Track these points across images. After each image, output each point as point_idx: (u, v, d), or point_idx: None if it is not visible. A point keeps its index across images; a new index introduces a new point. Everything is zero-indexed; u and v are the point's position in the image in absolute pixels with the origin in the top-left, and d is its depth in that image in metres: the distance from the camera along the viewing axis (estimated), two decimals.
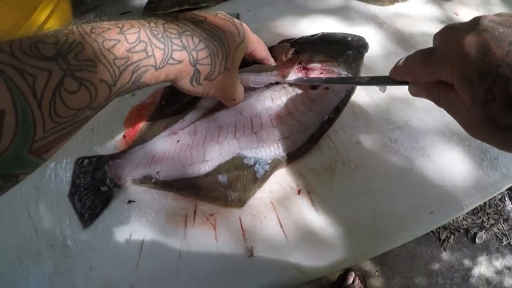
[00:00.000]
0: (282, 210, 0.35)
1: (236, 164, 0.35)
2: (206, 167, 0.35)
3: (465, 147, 0.37)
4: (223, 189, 0.35)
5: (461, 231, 1.11)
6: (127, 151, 0.39)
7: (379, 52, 0.46)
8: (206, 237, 0.34)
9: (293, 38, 0.44)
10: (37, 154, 0.21)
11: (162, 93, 0.42)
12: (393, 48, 0.46)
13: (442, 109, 0.25)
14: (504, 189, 0.37)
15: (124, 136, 0.42)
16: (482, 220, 1.11)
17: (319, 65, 0.39)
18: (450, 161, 0.36)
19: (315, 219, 0.34)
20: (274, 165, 0.35)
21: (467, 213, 1.13)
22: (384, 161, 0.37)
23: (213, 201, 0.35)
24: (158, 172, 0.37)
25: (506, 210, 1.09)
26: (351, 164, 0.36)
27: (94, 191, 0.38)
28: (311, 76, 0.39)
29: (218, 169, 0.35)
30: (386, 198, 0.35)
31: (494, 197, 1.10)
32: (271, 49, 0.41)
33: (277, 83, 0.38)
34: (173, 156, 0.37)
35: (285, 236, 0.33)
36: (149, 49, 0.25)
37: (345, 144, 0.38)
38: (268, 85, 0.38)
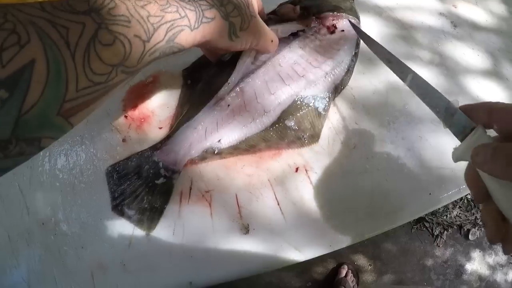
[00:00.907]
0: (279, 188, 0.34)
1: (298, 106, 0.36)
2: (270, 118, 0.36)
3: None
4: (294, 132, 0.36)
5: (455, 227, 1.12)
6: (172, 134, 0.36)
7: (378, 40, 0.46)
8: (201, 214, 0.34)
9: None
10: (66, 116, 0.20)
11: (183, 74, 0.42)
12: (392, 37, 0.46)
13: None
14: None
15: (125, 116, 0.40)
16: (476, 217, 1.12)
17: (330, 13, 0.40)
18: (448, 144, 0.36)
19: (313, 197, 0.34)
20: (330, 96, 0.37)
21: (460, 210, 1.14)
22: (382, 142, 0.36)
23: (289, 146, 0.36)
24: (219, 141, 0.36)
25: None
26: (350, 144, 0.36)
27: (148, 189, 0.35)
28: (326, 24, 0.41)
29: (282, 116, 0.36)
30: (384, 179, 0.34)
31: None
32: (273, 13, 0.42)
33: (297, 34, 0.39)
34: (230, 121, 0.36)
35: (282, 214, 0.33)
36: (181, 11, 0.25)
37: (344, 125, 0.38)
38: (290, 38, 0.39)
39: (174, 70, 0.42)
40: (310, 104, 0.36)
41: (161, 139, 0.37)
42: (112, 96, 0.24)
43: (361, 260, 1.09)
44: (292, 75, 0.37)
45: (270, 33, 0.34)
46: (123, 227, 0.35)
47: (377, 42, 0.34)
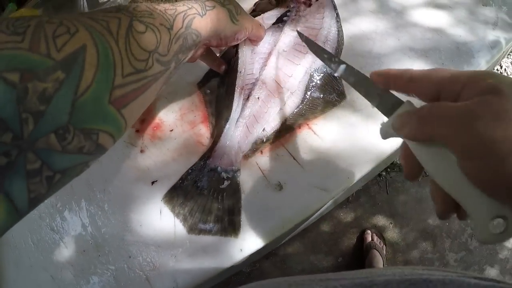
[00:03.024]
0: (290, 145, 0.38)
1: (315, 77, 0.41)
2: (298, 97, 0.40)
3: (423, 57, 0.43)
4: (322, 99, 0.40)
5: None
6: (218, 140, 0.38)
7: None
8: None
9: None
10: (117, 105, 0.21)
11: (199, 86, 0.45)
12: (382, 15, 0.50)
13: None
14: None
15: (137, 131, 0.42)
16: None
17: None
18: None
19: (320, 143, 0.37)
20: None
21: None
22: None
23: (323, 111, 0.40)
24: (263, 130, 0.38)
25: None
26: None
27: (215, 198, 0.36)
28: (301, 0, 0.46)
29: (307, 90, 0.40)
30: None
31: None
32: (253, 12, 0.48)
33: (283, 21, 0.44)
34: (265, 110, 0.39)
35: (299, 165, 0.36)
36: (187, 4, 0.29)
37: None
38: (280, 26, 0.44)
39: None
40: (324, 72, 0.41)
41: (207, 148, 0.39)
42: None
43: (381, 221, 1.12)
44: (297, 55, 0.41)
45: (256, 19, 0.39)
46: (162, 224, 0.37)
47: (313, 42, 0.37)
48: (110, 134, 0.21)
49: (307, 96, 0.40)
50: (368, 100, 0.26)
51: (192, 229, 0.35)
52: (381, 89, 0.26)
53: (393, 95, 0.25)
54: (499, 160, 0.18)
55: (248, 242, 0.35)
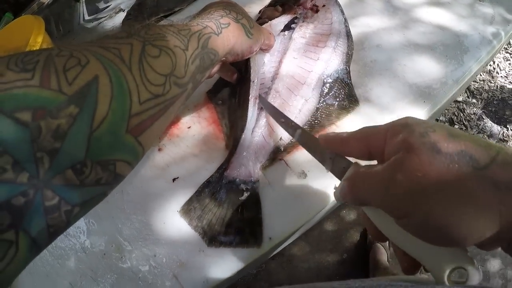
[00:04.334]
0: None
1: (328, 84, 0.41)
2: (312, 104, 0.40)
3: (429, 51, 0.45)
4: (336, 106, 0.40)
5: None
6: (234, 151, 0.37)
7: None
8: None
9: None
10: (134, 133, 0.20)
11: (208, 96, 0.44)
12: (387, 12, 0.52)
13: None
14: (472, 68, 0.44)
15: None
16: None
17: None
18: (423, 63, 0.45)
19: None
20: (346, 64, 0.42)
21: None
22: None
23: (338, 117, 0.40)
24: (280, 139, 0.38)
25: (487, 126, 1.19)
26: None
27: (235, 210, 0.35)
28: (308, 7, 0.47)
29: (320, 98, 0.40)
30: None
31: (473, 117, 1.21)
32: (258, 19, 0.48)
33: (292, 28, 0.44)
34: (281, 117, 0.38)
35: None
36: (201, 23, 0.29)
37: None
38: (289, 33, 0.44)
39: None
40: (336, 78, 0.41)
41: (224, 160, 0.38)
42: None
43: None
44: (309, 61, 0.42)
45: (266, 28, 0.40)
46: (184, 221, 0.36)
47: (272, 105, 0.38)
48: (128, 162, 0.21)
49: (322, 103, 0.40)
50: (323, 165, 0.26)
51: (212, 242, 0.35)
52: (333, 153, 0.26)
53: (344, 158, 0.25)
54: (427, 217, 0.19)
55: (277, 231, 0.35)
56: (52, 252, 0.39)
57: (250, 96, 0.38)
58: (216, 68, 0.36)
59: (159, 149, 0.41)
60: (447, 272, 0.20)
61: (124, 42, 0.22)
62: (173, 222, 0.37)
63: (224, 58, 0.33)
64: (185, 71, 0.25)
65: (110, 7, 0.60)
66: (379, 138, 0.22)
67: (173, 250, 0.35)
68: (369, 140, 0.23)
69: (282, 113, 0.33)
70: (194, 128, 0.42)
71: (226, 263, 0.34)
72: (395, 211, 0.20)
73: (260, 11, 0.50)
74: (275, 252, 0.39)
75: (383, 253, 0.98)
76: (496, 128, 1.19)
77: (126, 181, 0.39)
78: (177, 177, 0.39)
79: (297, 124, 0.31)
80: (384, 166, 0.20)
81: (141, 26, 0.24)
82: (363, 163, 0.24)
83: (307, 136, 0.29)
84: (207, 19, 0.30)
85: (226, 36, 0.31)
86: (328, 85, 0.41)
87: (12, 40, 0.51)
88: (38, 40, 0.49)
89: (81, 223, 0.39)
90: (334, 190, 0.25)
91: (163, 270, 0.35)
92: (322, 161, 0.27)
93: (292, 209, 0.36)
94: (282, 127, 0.32)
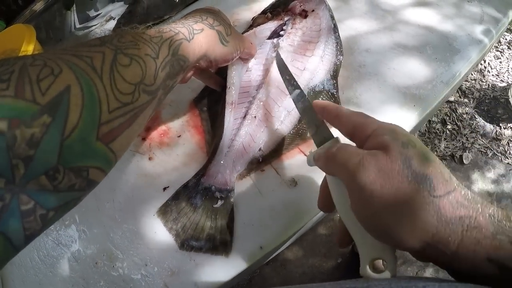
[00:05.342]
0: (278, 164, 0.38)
1: (314, 96, 0.40)
2: (295, 116, 0.39)
3: (418, 54, 0.45)
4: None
5: (448, 158, 1.20)
6: (213, 158, 0.37)
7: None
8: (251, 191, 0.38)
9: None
10: (105, 141, 0.21)
11: (194, 103, 0.44)
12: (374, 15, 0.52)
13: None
14: (462, 69, 0.44)
15: (143, 139, 0.42)
16: (462, 142, 1.20)
17: (295, 1, 0.47)
18: (413, 66, 0.44)
19: None
20: (334, 75, 0.41)
21: (446, 140, 1.23)
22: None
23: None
24: (259, 149, 0.38)
25: (480, 125, 1.20)
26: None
27: (208, 216, 0.36)
28: (297, 12, 0.46)
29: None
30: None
31: (465, 117, 1.21)
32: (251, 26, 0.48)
33: (280, 35, 0.44)
34: (261, 129, 0.38)
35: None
36: (174, 29, 0.29)
37: None
38: (276, 41, 0.43)
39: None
40: (322, 90, 0.40)
41: (201, 166, 0.38)
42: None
43: None
44: (295, 71, 0.41)
45: (247, 37, 0.40)
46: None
47: (282, 61, 0.38)
48: (100, 169, 0.22)
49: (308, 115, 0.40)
50: (307, 129, 0.29)
51: (183, 245, 0.35)
52: (320, 121, 0.29)
53: (328, 129, 0.29)
54: (374, 212, 0.21)
55: (268, 240, 0.35)
56: (44, 261, 0.39)
57: (226, 103, 0.38)
58: (190, 74, 0.36)
59: (150, 158, 0.41)
60: (370, 258, 0.23)
61: (97, 50, 0.22)
62: (164, 231, 0.37)
63: (196, 64, 0.33)
64: (154, 79, 0.25)
65: (101, 15, 0.60)
66: (366, 130, 0.25)
67: (164, 259, 0.35)
68: (357, 127, 0.25)
69: (289, 71, 0.34)
70: (184, 137, 0.42)
71: (216, 272, 0.34)
72: (353, 196, 0.23)
73: (252, 18, 0.50)
74: (268, 259, 0.39)
75: None
76: (488, 127, 1.19)
77: (117, 189, 0.40)
78: (168, 186, 0.39)
79: (298, 85, 0.33)
80: (360, 150, 0.24)
81: (115, 33, 0.25)
82: (342, 140, 0.28)
83: (303, 99, 0.31)
84: (181, 25, 0.30)
85: (198, 42, 0.30)
86: (313, 97, 0.40)
87: (3, 49, 0.52)
88: (29, 49, 0.50)
89: (73, 232, 0.39)
90: (308, 154, 0.28)
91: (154, 279, 0.35)
92: (308, 124, 0.30)
93: (282, 217, 0.36)
94: (285, 83, 0.34)
